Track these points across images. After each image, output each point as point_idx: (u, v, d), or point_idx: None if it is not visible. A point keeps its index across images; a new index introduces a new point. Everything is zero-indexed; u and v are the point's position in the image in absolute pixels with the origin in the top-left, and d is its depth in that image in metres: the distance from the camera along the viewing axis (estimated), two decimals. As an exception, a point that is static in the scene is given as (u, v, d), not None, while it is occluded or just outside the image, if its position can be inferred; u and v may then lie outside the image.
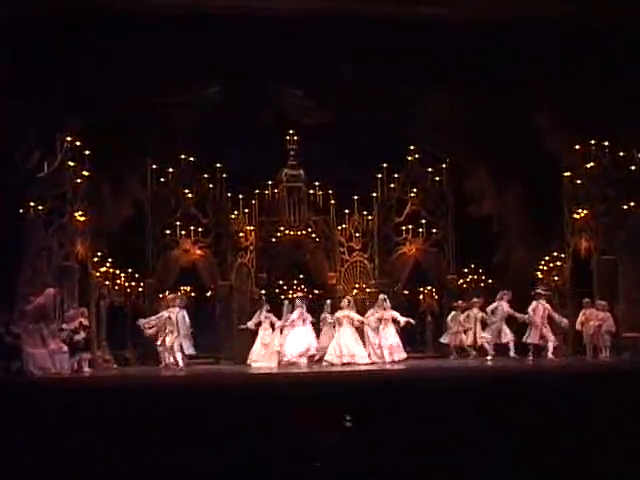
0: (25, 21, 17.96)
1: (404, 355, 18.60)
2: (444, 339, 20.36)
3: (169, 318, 17.93)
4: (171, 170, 20.80)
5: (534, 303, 18.52)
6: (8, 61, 17.90)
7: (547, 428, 10.95)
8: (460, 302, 20.30)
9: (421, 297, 22.04)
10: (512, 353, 18.66)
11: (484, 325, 19.49)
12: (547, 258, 20.43)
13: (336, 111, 21.35)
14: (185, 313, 18.05)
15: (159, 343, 18.13)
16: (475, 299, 20.02)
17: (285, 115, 21.66)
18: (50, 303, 16.51)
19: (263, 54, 19.85)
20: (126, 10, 18.59)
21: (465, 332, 19.82)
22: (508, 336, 18.81)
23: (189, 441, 10.68)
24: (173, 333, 17.86)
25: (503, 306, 18.84)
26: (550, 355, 18.24)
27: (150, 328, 18.31)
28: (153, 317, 18.38)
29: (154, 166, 20.68)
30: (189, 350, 18.01)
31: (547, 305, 18.57)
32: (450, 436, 11.00)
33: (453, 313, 20.23)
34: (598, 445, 10.66)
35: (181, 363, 17.84)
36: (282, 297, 20.79)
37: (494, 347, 19.12)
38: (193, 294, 21.42)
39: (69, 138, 17.93)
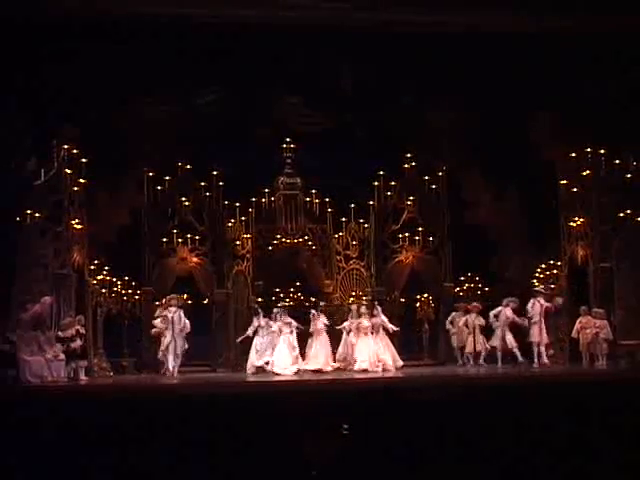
0: (19, 27, 18.08)
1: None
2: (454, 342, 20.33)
3: (165, 317, 18.09)
4: (168, 178, 20.71)
5: (532, 300, 18.61)
6: (4, 67, 17.94)
7: (543, 435, 11.51)
8: (461, 304, 20.43)
9: (418, 305, 21.98)
10: (520, 358, 18.67)
11: (483, 330, 19.54)
12: (543, 266, 20.38)
13: (334, 119, 21.56)
14: (182, 313, 18.19)
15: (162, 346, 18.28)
16: (475, 303, 20.01)
17: (283, 123, 21.77)
18: (46, 311, 16.45)
19: (263, 62, 20.05)
20: (125, 18, 18.78)
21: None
22: (512, 343, 18.74)
23: (185, 449, 11.19)
24: (169, 332, 17.98)
25: (506, 312, 18.78)
26: (545, 359, 18.30)
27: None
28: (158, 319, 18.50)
29: (151, 174, 20.65)
30: (181, 348, 18.06)
31: (546, 303, 18.54)
32: (446, 443, 11.47)
33: (453, 314, 20.33)
34: (595, 451, 11.25)
35: (171, 364, 17.87)
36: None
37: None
38: (190, 302, 21.21)
39: (66, 146, 17.90)
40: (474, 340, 19.55)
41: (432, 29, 19.54)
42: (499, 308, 18.89)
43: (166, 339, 18.05)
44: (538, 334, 18.38)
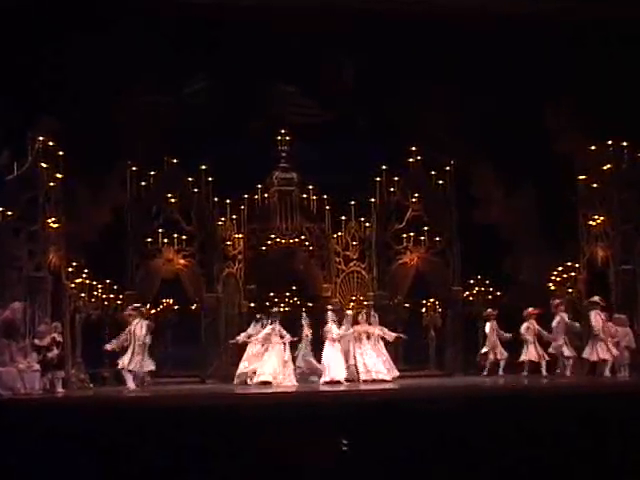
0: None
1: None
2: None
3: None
4: (153, 173, 20.27)
5: (593, 314, 17.76)
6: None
7: (562, 450, 11.24)
8: (490, 310, 19.84)
9: (423, 310, 21.53)
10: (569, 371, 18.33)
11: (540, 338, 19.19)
12: (560, 268, 20.04)
13: (334, 111, 21.36)
14: (144, 323, 17.51)
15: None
16: (531, 309, 19.31)
17: (278, 115, 21.57)
18: (19, 317, 15.98)
19: (259, 51, 19.98)
20: (111, 6, 18.84)
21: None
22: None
23: (169, 464, 10.94)
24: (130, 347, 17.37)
25: (563, 317, 18.37)
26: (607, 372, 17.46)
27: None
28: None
29: (134, 168, 20.14)
30: (145, 367, 17.43)
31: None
32: (461, 457, 11.17)
33: (489, 324, 19.69)
34: (616, 467, 11.09)
35: (130, 384, 17.11)
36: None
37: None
38: (176, 307, 21.14)
39: (41, 138, 17.46)
40: (535, 349, 18.98)
41: (440, 15, 19.54)
42: (557, 318, 18.44)
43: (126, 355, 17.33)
44: (606, 350, 17.46)
